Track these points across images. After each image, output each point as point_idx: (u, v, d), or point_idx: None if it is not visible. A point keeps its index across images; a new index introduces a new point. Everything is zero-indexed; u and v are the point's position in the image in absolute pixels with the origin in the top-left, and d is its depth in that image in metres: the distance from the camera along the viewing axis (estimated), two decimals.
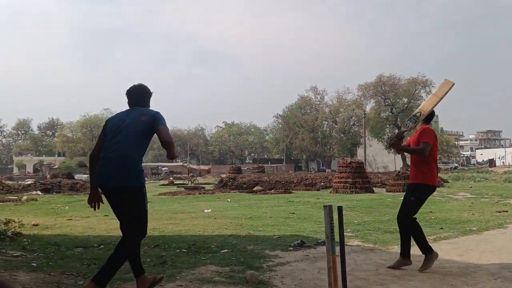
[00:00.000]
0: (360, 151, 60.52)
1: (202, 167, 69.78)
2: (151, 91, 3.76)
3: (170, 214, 10.08)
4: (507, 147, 79.24)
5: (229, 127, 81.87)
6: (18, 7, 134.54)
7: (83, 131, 68.03)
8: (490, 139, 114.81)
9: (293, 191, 19.41)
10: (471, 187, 20.58)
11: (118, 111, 3.71)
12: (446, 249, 5.48)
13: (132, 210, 3.33)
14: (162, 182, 36.32)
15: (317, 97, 66.30)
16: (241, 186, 21.94)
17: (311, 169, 66.94)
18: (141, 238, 3.46)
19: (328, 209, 3.20)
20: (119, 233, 6.92)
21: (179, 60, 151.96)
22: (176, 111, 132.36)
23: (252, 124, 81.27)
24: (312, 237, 6.42)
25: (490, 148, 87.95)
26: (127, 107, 3.65)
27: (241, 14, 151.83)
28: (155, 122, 3.44)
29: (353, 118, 59.81)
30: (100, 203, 3.47)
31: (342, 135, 60.57)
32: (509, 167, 44.56)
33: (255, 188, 20.66)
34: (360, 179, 18.09)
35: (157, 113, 3.55)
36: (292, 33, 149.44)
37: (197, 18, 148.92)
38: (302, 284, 3.92)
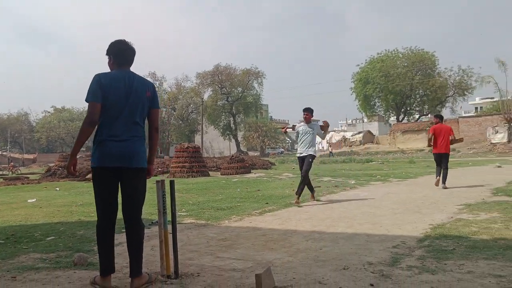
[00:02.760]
0: (197, 138, 61.98)
1: (26, 156, 62.20)
2: None
3: None
4: None
5: (59, 112, 74.34)
6: None
7: None
8: None
9: None
10: (293, 168, 23.09)
11: None
12: (270, 220, 6.15)
13: None
14: None
15: (155, 84, 65.14)
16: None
17: None
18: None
19: (160, 184, 3.31)
20: None
21: None
22: None
23: (85, 110, 75.21)
24: (147, 218, 6.43)
25: None
26: None
27: None
28: (153, 102, 3.18)
29: (191, 105, 60.74)
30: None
31: (180, 122, 60.93)
32: (324, 151, 51.43)
33: (88, 176, 19.35)
34: (197, 163, 18.59)
35: (154, 87, 3.26)
36: (128, 14, 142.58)
37: None
38: None
